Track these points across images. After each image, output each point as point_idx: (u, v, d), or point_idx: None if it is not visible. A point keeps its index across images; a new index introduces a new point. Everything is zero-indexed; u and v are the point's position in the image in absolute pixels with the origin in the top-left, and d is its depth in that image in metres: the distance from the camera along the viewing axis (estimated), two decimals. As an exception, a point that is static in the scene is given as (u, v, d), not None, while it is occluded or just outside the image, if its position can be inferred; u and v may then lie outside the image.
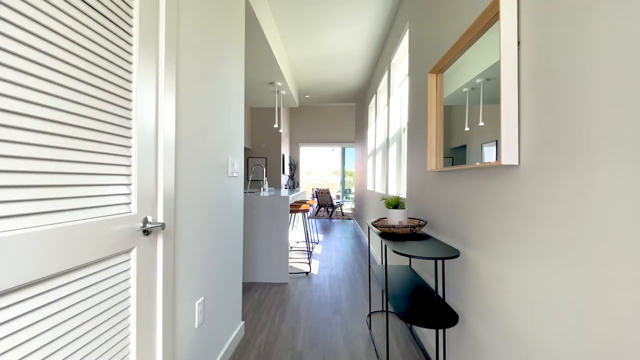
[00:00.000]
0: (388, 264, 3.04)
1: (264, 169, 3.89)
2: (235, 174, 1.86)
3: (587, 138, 0.73)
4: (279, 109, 6.76)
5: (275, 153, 9.29)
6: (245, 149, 9.08)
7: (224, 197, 1.70)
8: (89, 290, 0.79)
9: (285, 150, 9.93)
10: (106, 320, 0.84)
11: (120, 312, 0.89)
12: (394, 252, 1.36)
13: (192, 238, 1.34)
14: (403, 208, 1.76)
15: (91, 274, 0.79)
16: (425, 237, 1.65)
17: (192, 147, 1.33)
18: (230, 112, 1.79)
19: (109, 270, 0.85)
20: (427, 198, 1.91)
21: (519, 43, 1.00)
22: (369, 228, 2.03)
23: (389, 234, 1.67)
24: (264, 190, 4.02)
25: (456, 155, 1.47)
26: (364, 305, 2.57)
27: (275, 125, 3.98)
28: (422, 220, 1.76)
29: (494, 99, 1.13)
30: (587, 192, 0.72)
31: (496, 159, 1.11)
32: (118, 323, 0.89)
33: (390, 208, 1.75)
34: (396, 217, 1.71)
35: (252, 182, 8.31)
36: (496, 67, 1.12)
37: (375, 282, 3.12)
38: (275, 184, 9.29)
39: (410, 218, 1.84)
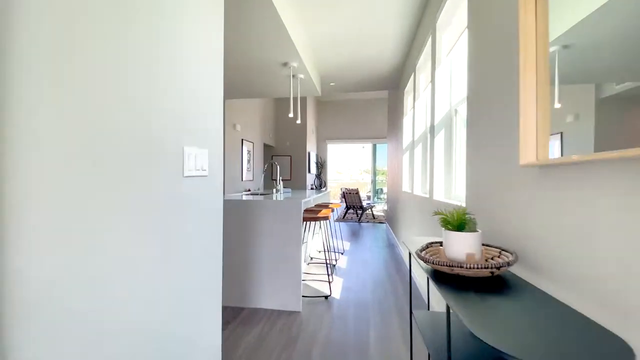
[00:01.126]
0: (435, 303, 2.25)
1: (278, 167, 3.26)
2: (202, 172, 1.22)
3: None
4: (294, 98, 6.00)
5: (300, 151, 8.72)
6: (269, 147, 8.58)
7: (175, 210, 1.06)
8: None
9: (311, 147, 9.32)
10: None
11: None
12: (473, 335, 0.63)
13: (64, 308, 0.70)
14: (473, 230, 1.01)
15: None
16: (516, 284, 0.90)
17: (87, 128, 0.70)
18: (190, 67, 1.13)
19: None
20: (515, 212, 1.14)
21: None
22: (410, 255, 1.30)
23: (450, 277, 0.94)
24: (277, 191, 3.39)
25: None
26: (401, 356, 1.83)
27: (291, 115, 3.31)
28: (507, 252, 1.00)
29: (573, 78, 0.80)
30: None
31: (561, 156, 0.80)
32: None
33: (449, 229, 1.01)
34: (461, 246, 0.97)
35: (271, 182, 7.80)
36: (584, 24, 0.74)
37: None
38: (300, 184, 8.71)
39: (485, 245, 1.08)
